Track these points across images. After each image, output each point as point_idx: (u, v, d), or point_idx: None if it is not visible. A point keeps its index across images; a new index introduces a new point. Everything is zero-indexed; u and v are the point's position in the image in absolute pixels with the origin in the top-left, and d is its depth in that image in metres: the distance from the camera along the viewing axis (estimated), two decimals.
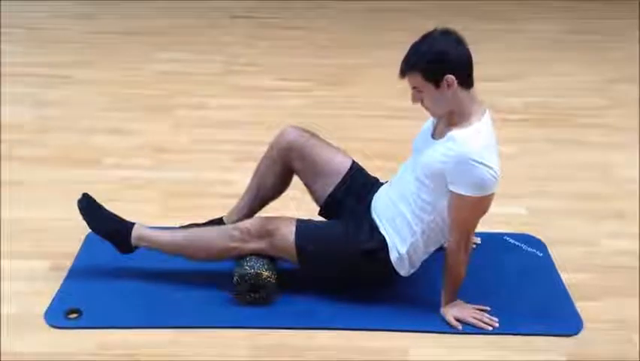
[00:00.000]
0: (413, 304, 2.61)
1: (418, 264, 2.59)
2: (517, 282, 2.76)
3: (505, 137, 4.08)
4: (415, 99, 2.40)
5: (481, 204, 2.38)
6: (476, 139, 2.33)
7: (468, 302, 2.57)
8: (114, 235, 2.66)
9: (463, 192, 2.34)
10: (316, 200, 2.77)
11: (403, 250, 2.52)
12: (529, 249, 2.96)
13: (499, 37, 5.98)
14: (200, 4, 6.54)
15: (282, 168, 2.77)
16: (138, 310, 2.56)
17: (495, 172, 2.33)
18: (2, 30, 5.78)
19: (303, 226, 2.59)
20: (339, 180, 2.71)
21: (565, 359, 2.40)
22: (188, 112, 4.33)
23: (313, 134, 2.79)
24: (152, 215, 3.11)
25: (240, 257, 2.59)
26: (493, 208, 3.21)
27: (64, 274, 2.73)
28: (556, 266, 2.86)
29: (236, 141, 3.89)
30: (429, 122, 2.58)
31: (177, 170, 3.63)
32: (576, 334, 2.51)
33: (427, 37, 2.37)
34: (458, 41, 2.36)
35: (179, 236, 2.66)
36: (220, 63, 5.18)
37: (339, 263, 2.57)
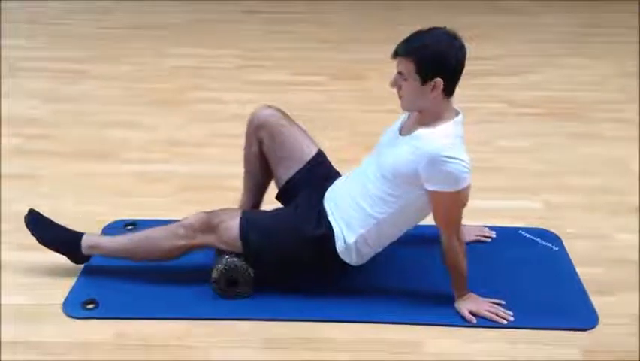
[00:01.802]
0: (427, 297, 2.61)
1: (368, 256, 2.59)
2: (532, 276, 2.75)
3: (520, 131, 4.11)
4: (394, 84, 2.38)
5: (460, 197, 2.38)
6: (441, 137, 2.34)
7: (482, 296, 2.56)
8: (64, 246, 2.65)
9: (440, 189, 2.35)
10: (276, 182, 2.77)
11: (351, 240, 2.52)
12: (545, 243, 2.95)
13: (515, 30, 5.97)
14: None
15: (258, 149, 2.77)
16: (153, 302, 2.57)
17: (466, 163, 2.33)
18: (18, 26, 5.81)
19: (247, 217, 2.57)
20: (302, 166, 2.71)
21: (579, 354, 2.39)
22: (203, 106, 4.35)
23: (286, 116, 2.79)
24: (166, 209, 3.12)
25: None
26: (509, 202, 3.23)
27: (82, 265, 2.74)
28: (572, 260, 2.85)
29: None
30: (398, 120, 2.58)
31: (192, 164, 3.64)
32: (591, 328, 2.49)
33: (434, 32, 2.35)
34: (461, 50, 2.35)
35: (127, 240, 2.63)
36: (235, 58, 5.19)
37: (282, 252, 2.54)
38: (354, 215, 2.51)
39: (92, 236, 2.66)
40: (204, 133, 3.98)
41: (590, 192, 3.40)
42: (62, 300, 2.57)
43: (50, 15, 6.17)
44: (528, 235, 3.00)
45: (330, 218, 2.55)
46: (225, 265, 2.55)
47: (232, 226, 2.54)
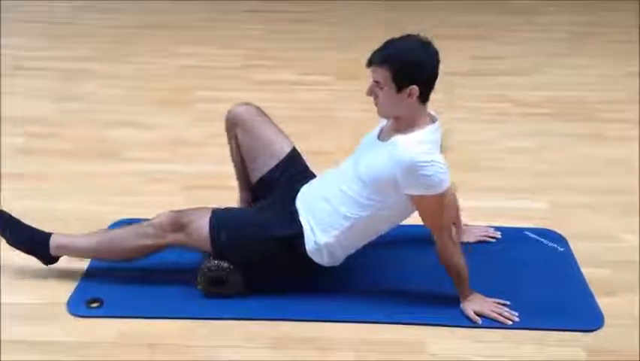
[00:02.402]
0: (433, 297, 2.60)
1: (341, 257, 2.58)
2: (537, 277, 2.74)
3: (525, 131, 4.10)
4: (370, 92, 2.41)
5: (440, 199, 2.39)
6: (415, 144, 2.35)
7: (487, 296, 2.56)
8: (33, 247, 2.64)
9: (423, 193, 2.36)
10: (250, 177, 2.77)
11: (322, 241, 2.51)
12: (550, 244, 2.94)
13: (520, 30, 5.96)
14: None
15: (237, 145, 2.79)
16: (158, 301, 2.57)
17: (442, 165, 2.35)
18: (24, 25, 5.82)
19: (217, 216, 2.57)
20: (275, 162, 2.72)
21: (584, 354, 2.38)
22: (208, 106, 4.34)
23: (261, 113, 2.79)
24: (170, 208, 3.11)
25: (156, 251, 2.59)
26: (514, 203, 3.21)
27: (86, 264, 2.75)
28: (577, 261, 2.84)
29: None
30: (378, 125, 2.59)
31: (196, 163, 3.64)
32: (597, 329, 2.48)
33: (408, 39, 2.38)
34: (435, 57, 2.37)
35: (96, 240, 2.62)
36: (240, 57, 5.19)
37: (252, 251, 2.54)
38: (327, 216, 2.51)
39: (60, 236, 2.64)
40: (209, 133, 3.98)
41: (595, 193, 3.39)
42: (67, 299, 2.57)
43: (56, 14, 6.18)
44: (533, 236, 3.00)
45: (302, 218, 2.55)
46: (208, 266, 2.54)
47: (201, 225, 2.53)
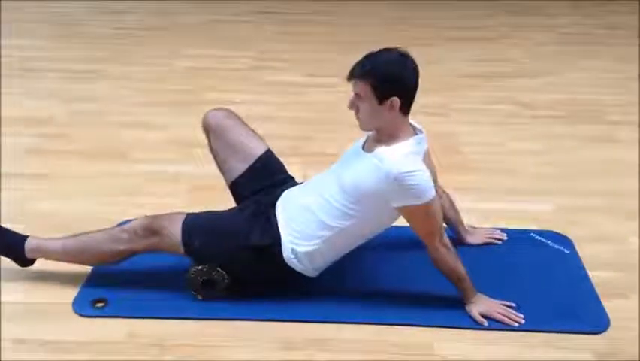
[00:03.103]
0: (439, 299, 2.60)
1: (323, 265, 2.57)
2: (543, 279, 2.74)
3: (533, 133, 4.10)
4: (351, 106, 2.42)
5: (431, 208, 2.39)
6: (398, 155, 2.37)
7: (493, 298, 2.56)
8: (9, 250, 2.63)
9: (411, 204, 2.37)
10: (226, 181, 2.76)
11: (303, 250, 2.50)
12: (556, 246, 2.94)
13: (528, 32, 5.95)
14: (229, 1, 6.58)
15: (214, 151, 2.78)
16: (163, 301, 2.58)
17: (424, 173, 2.36)
18: (34, 26, 5.85)
19: (190, 221, 2.55)
20: (247, 167, 2.70)
21: (591, 357, 2.38)
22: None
23: (232, 116, 2.80)
24: (178, 209, 3.12)
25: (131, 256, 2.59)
26: (521, 205, 3.21)
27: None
28: (584, 263, 2.83)
29: (265, 136, 3.88)
30: (363, 137, 2.59)
31: (205, 165, 3.62)
32: (603, 332, 2.48)
33: (386, 53, 2.42)
34: (414, 69, 2.40)
35: (69, 244, 2.62)
36: (248, 59, 5.20)
37: (227, 258, 2.53)
38: (309, 225, 2.50)
39: (35, 239, 2.64)
40: None
41: (602, 195, 3.39)
42: (72, 299, 2.58)
43: (66, 16, 6.21)
44: (539, 238, 2.99)
45: (281, 226, 2.52)
46: (191, 270, 2.55)
47: (174, 231, 2.52)
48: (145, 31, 5.84)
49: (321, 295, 2.61)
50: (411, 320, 2.51)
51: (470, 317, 2.51)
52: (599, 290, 2.67)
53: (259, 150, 2.74)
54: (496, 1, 6.75)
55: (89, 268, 2.72)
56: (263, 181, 2.69)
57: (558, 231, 3.05)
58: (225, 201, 2.92)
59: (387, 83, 2.35)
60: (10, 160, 3.60)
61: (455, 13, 6.42)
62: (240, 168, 2.71)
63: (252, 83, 4.76)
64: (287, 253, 2.51)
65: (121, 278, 2.68)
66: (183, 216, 2.57)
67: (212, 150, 2.80)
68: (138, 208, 3.16)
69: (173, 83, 4.76)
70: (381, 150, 2.40)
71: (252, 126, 4.02)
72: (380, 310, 2.56)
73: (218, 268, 2.53)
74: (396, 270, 2.75)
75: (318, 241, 2.50)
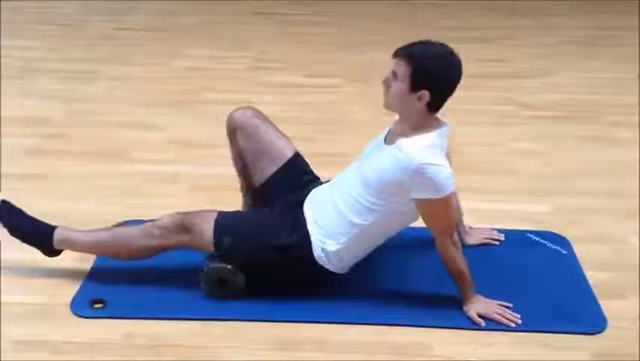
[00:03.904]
0: (437, 300, 2.61)
1: (351, 262, 2.58)
2: (540, 279, 2.75)
3: (532, 134, 4.10)
4: (386, 81, 2.43)
5: (446, 204, 2.39)
6: (421, 146, 2.37)
7: (490, 298, 2.56)
8: (37, 239, 2.65)
9: (426, 197, 2.37)
10: (253, 182, 2.77)
11: (332, 248, 2.51)
12: (553, 246, 2.95)
13: (528, 33, 5.95)
14: (228, 1, 6.59)
15: (238, 149, 2.79)
16: (162, 302, 2.59)
17: (447, 169, 2.36)
18: (33, 26, 5.86)
19: (222, 219, 2.57)
20: (278, 167, 2.71)
21: (588, 357, 2.38)
22: (215, 108, 4.34)
23: (259, 115, 2.79)
24: (177, 209, 3.12)
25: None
26: (519, 205, 3.21)
27: (90, 264, 2.77)
28: (581, 264, 2.84)
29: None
30: (385, 130, 2.60)
31: (204, 165, 3.65)
32: (600, 332, 2.49)
33: (439, 48, 2.41)
34: (457, 75, 2.40)
35: (100, 237, 2.64)
36: (247, 59, 5.20)
37: (257, 257, 2.54)
38: (335, 223, 2.51)
39: (65, 230, 2.65)
40: (216, 134, 3.95)
41: (600, 196, 3.39)
42: (70, 299, 2.59)
43: (64, 16, 6.21)
44: (536, 238, 3.00)
45: (310, 226, 2.54)
46: (210, 267, 2.55)
47: (206, 228, 2.53)
48: (144, 32, 5.84)
49: (319, 296, 2.61)
50: (409, 320, 2.52)
51: (468, 317, 2.51)
52: (596, 291, 2.68)
53: (289, 151, 2.76)
54: (495, 1, 6.75)
55: (86, 269, 2.73)
56: (292, 182, 2.71)
57: (555, 231, 3.05)
58: (224, 201, 2.94)
59: (426, 75, 2.35)
60: (9, 160, 3.61)
61: (454, 13, 6.42)
62: (270, 168, 2.72)
63: (251, 84, 4.76)
64: (317, 253, 2.52)
65: (119, 279, 2.69)
66: (215, 214, 2.58)
67: (237, 149, 2.79)
68: (137, 209, 3.17)
69: (172, 83, 4.76)
70: (403, 141, 2.40)
71: None
72: (379, 310, 2.56)
73: (233, 268, 2.54)
74: (394, 271, 2.76)
75: (344, 240, 2.51)
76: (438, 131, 2.45)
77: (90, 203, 3.25)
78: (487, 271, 2.69)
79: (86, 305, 2.55)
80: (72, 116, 4.22)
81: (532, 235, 3.02)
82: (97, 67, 5.01)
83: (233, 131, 2.78)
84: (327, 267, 2.55)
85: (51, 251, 2.67)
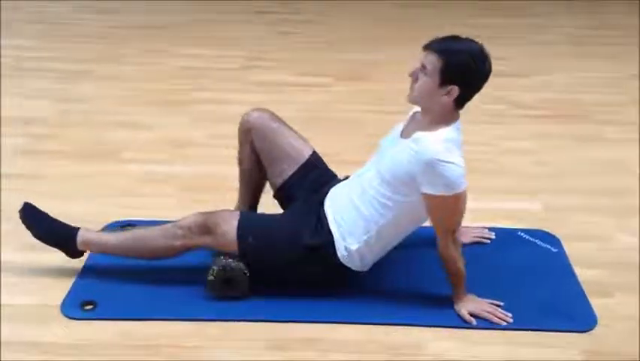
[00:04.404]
0: (428, 299, 2.61)
1: (372, 261, 2.59)
2: (530, 277, 2.76)
3: (523, 132, 4.11)
4: (413, 74, 2.41)
5: (456, 202, 2.39)
6: (437, 141, 2.36)
7: (482, 297, 2.57)
8: (59, 241, 2.66)
9: (435, 193, 2.36)
10: (272, 184, 2.77)
11: (354, 247, 2.52)
12: (544, 245, 2.96)
13: (520, 32, 5.96)
14: (219, 0, 6.58)
15: (250, 150, 2.78)
16: (153, 302, 2.59)
17: (461, 167, 2.36)
18: (24, 25, 5.84)
19: (245, 220, 2.58)
20: (297, 168, 2.72)
21: (578, 355, 2.39)
22: (208, 107, 4.36)
23: (274, 117, 2.79)
24: (170, 209, 3.14)
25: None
26: (509, 204, 3.22)
27: (81, 265, 2.76)
28: (571, 262, 2.85)
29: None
30: (400, 124, 2.59)
31: (196, 164, 3.65)
32: (590, 330, 2.50)
33: (471, 44, 2.40)
34: (488, 71, 2.39)
35: (123, 238, 2.65)
36: (240, 58, 5.20)
37: (280, 258, 2.55)
38: (356, 221, 2.52)
39: (88, 232, 2.67)
40: (208, 134, 3.99)
41: (590, 194, 3.40)
42: (61, 300, 2.58)
43: (55, 15, 6.20)
44: (527, 237, 3.01)
45: (332, 225, 2.55)
46: (221, 266, 2.55)
47: (229, 229, 2.54)
48: (134, 31, 5.83)
49: (311, 296, 2.61)
50: (400, 319, 2.52)
51: (459, 316, 2.52)
52: (586, 288, 2.69)
53: (307, 152, 2.76)
54: (488, 1, 6.77)
55: (77, 269, 2.73)
56: (312, 181, 2.71)
57: (546, 229, 3.06)
58: (216, 201, 2.95)
59: (457, 70, 2.34)
60: (1, 161, 3.60)
61: (446, 12, 6.43)
62: (289, 169, 2.72)
63: (243, 83, 4.76)
64: (341, 252, 2.53)
65: (109, 280, 2.69)
66: (237, 215, 2.59)
67: (249, 149, 2.78)
68: (128, 209, 3.17)
69: (162, 82, 4.75)
70: (420, 135, 2.39)
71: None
72: (370, 309, 2.57)
73: (241, 268, 2.54)
74: (385, 270, 2.76)
75: (365, 238, 2.51)
76: (454, 125, 2.44)
77: (82, 203, 3.24)
78: (477, 269, 2.69)
79: (77, 307, 2.55)
80: (63, 116, 4.21)
81: (522, 234, 3.03)
82: (87, 66, 5.00)
83: (248, 132, 2.77)
84: (349, 266, 2.56)
85: (75, 252, 2.68)
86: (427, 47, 2.37)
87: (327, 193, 2.65)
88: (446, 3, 6.65)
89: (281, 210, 2.78)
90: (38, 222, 2.67)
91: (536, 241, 2.98)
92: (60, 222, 2.68)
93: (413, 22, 6.12)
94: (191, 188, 3.41)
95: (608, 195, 3.39)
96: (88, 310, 2.54)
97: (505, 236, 3.00)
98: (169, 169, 3.59)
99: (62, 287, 2.65)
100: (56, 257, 2.71)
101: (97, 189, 3.38)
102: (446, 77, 2.34)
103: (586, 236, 3.05)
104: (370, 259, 2.58)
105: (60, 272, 2.73)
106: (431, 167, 2.33)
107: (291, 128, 2.79)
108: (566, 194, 3.40)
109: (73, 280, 2.69)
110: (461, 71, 2.34)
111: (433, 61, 2.35)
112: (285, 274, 2.59)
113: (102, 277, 2.71)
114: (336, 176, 2.78)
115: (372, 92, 4.61)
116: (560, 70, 5.08)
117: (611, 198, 3.37)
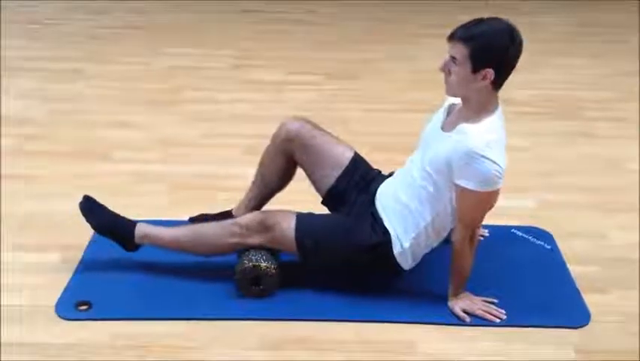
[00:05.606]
0: (421, 296, 2.62)
1: (419, 257, 2.59)
2: (524, 274, 2.76)
3: (515, 130, 4.06)
4: (443, 67, 2.36)
5: (485, 199, 2.37)
6: (484, 134, 2.32)
7: (476, 294, 2.57)
8: (118, 234, 2.68)
9: (467, 186, 2.34)
10: (318, 190, 2.77)
11: (407, 244, 2.52)
12: (537, 241, 2.96)
13: None
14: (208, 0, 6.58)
15: (284, 160, 2.77)
16: (147, 303, 2.58)
17: (500, 168, 2.32)
18: (12, 26, 5.81)
19: (303, 220, 2.58)
20: (342, 171, 2.70)
21: (572, 351, 2.40)
22: (198, 106, 4.35)
23: (314, 126, 2.78)
24: (161, 209, 3.13)
25: (241, 251, 2.61)
26: (502, 201, 3.21)
27: (75, 266, 2.75)
28: (565, 259, 2.86)
29: (246, 135, 3.89)
30: (439, 114, 2.56)
31: (186, 164, 3.64)
32: (583, 326, 2.50)
33: (496, 22, 2.35)
34: (519, 45, 2.35)
35: (181, 233, 2.67)
36: (229, 57, 5.19)
37: (339, 257, 2.56)
38: (406, 218, 2.51)
39: (146, 226, 2.68)
40: (198, 133, 3.98)
41: (583, 191, 3.41)
42: (55, 301, 2.56)
43: (45, 15, 6.16)
44: (521, 234, 3.01)
45: (387, 224, 2.54)
46: (249, 263, 2.56)
47: (287, 228, 2.55)
48: (125, 30, 5.81)
49: (304, 294, 2.62)
50: (393, 316, 2.52)
51: (452, 313, 2.52)
52: (579, 285, 2.70)
53: (348, 154, 2.74)
54: (478, 0, 6.77)
55: (72, 269, 2.72)
56: (359, 182, 2.70)
57: (540, 226, 3.07)
58: (207, 200, 2.94)
59: (488, 52, 2.29)
60: None
61: (434, 11, 6.43)
62: (334, 173, 2.71)
63: (232, 82, 4.75)
64: (397, 249, 2.53)
65: (104, 280, 2.68)
66: (294, 215, 2.59)
67: (283, 158, 2.77)
68: (119, 208, 3.12)
69: (152, 82, 4.74)
70: (464, 126, 2.35)
71: (234, 124, 4.07)
72: (362, 307, 2.57)
73: (264, 265, 2.55)
74: None
75: (415, 234, 2.51)
76: (497, 112, 2.41)
77: (73, 204, 3.21)
78: (471, 266, 2.69)
79: (71, 307, 2.53)
80: (54, 116, 4.18)
81: (516, 231, 3.03)
82: (78, 66, 4.97)
83: (288, 142, 2.74)
84: (401, 263, 2.56)
85: (131, 246, 2.69)
86: (452, 38, 2.33)
87: (375, 191, 2.65)
88: (434, 3, 6.65)
89: None
90: (98, 215, 2.70)
91: (530, 237, 2.99)
92: (119, 215, 2.71)
93: (403, 21, 6.12)
94: (183, 187, 3.39)
95: (600, 192, 3.40)
96: (82, 310, 2.52)
97: (499, 233, 3.00)
98: (160, 169, 3.57)
99: (57, 288, 2.63)
100: (50, 258, 2.70)
101: (87, 190, 3.32)
102: (477, 62, 2.30)
103: (579, 233, 3.06)
104: (419, 254, 2.58)
105: (54, 273, 2.71)
106: (467, 157, 2.29)
107: (329, 134, 2.78)
108: (560, 191, 3.41)
109: (67, 280, 2.67)
110: (490, 51, 2.30)
111: (460, 50, 2.30)
112: (341, 272, 2.63)
113: (96, 278, 2.69)
114: (380, 172, 2.77)
115: (361, 90, 4.60)
116: (551, 67, 5.09)
117: (604, 194, 3.38)
